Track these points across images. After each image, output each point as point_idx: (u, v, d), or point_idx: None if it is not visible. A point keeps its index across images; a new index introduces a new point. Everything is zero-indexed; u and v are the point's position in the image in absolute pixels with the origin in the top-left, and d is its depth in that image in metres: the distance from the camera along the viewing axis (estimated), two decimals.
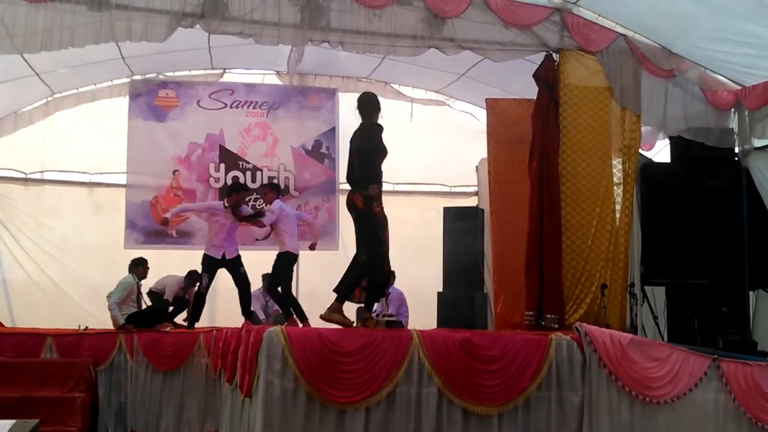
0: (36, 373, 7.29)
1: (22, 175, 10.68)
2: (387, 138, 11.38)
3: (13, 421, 3.90)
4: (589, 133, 7.53)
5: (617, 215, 7.39)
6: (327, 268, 11.13)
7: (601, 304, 6.98)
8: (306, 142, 11.40)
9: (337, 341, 5.17)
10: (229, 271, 8.69)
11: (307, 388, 4.93)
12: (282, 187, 11.07)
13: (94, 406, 7.46)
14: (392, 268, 9.92)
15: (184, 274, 9.49)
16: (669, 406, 5.42)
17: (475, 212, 9.50)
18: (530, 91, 7.94)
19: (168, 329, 8.50)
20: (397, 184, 11.75)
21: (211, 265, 8.57)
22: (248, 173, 11.14)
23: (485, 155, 9.42)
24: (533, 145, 7.69)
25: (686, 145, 7.62)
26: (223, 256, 8.56)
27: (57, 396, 7.06)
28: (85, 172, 10.83)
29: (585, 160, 7.48)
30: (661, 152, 8.73)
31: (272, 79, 11.44)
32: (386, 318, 8.36)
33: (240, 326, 6.57)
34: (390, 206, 11.60)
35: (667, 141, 8.15)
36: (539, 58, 7.79)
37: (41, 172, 10.77)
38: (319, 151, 11.42)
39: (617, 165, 7.54)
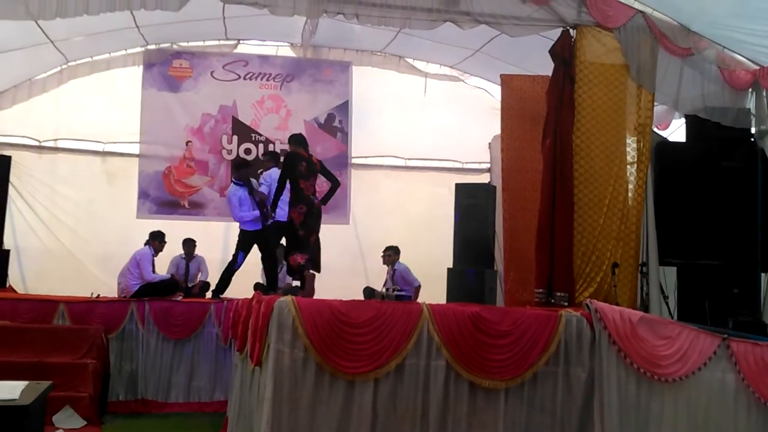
0: (48, 338, 7.36)
1: (36, 143, 10.72)
2: (400, 113, 11.47)
3: (26, 382, 3.98)
4: (604, 110, 7.45)
5: (630, 194, 7.35)
6: (338, 243, 11.22)
7: (612, 283, 6.97)
8: (319, 116, 11.41)
9: (348, 312, 5.19)
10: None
11: (317, 358, 4.96)
12: None
13: (105, 372, 7.54)
14: (398, 244, 10.04)
15: None
16: (677, 384, 5.41)
17: (487, 189, 9.48)
18: (546, 67, 7.86)
19: (179, 298, 8.55)
20: (409, 159, 11.79)
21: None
22: (260, 146, 11.16)
23: (499, 132, 9.38)
24: (547, 122, 7.63)
25: (702, 125, 7.54)
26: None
27: (69, 362, 7.13)
28: (98, 141, 10.86)
29: (599, 138, 7.41)
30: (676, 131, 8.67)
31: (286, 51, 11.43)
32: (396, 292, 8.42)
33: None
34: (401, 181, 11.78)
35: (683, 120, 8.08)
36: (556, 34, 7.71)
37: (55, 140, 10.80)
38: (332, 125, 11.42)
39: (631, 144, 7.47)
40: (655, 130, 7.98)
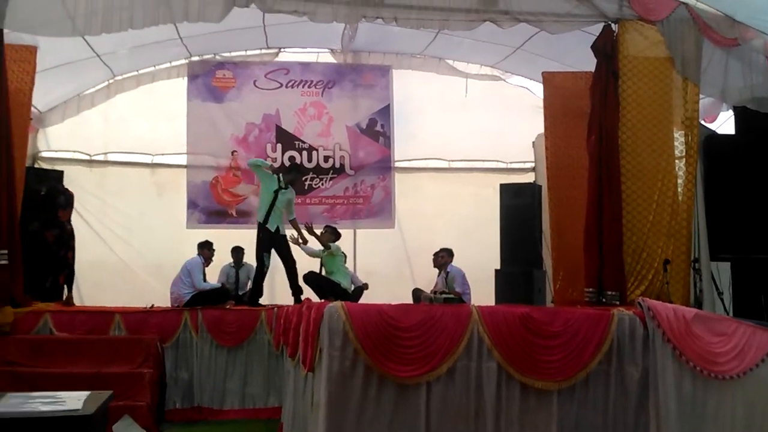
0: (106, 349, 7.45)
1: (87, 157, 10.97)
2: (442, 114, 11.49)
3: (88, 393, 4.07)
4: (650, 105, 7.38)
5: (680, 189, 7.25)
6: (383, 247, 11.29)
7: (664, 280, 6.88)
8: (361, 121, 11.47)
9: (397, 316, 5.19)
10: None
11: (368, 361, 4.97)
12: (338, 166, 11.22)
13: (161, 381, 7.63)
14: (450, 246, 10.02)
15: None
16: (734, 382, 5.30)
17: (532, 188, 9.45)
18: (588, 62, 7.82)
19: (230, 306, 8.66)
20: (453, 161, 11.78)
21: None
22: (304, 153, 11.26)
23: (542, 130, 9.32)
24: (592, 118, 7.59)
25: (751, 116, 7.39)
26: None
27: (126, 372, 7.19)
28: (147, 153, 11.08)
29: (645, 133, 7.34)
30: (725, 124, 8.53)
31: (327, 58, 11.51)
32: (444, 295, 8.42)
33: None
34: (445, 183, 11.80)
35: (731, 112, 7.94)
36: (597, 28, 7.66)
37: (104, 153, 11.04)
38: (374, 129, 11.48)
39: (679, 138, 7.37)
40: (703, 123, 7.86)
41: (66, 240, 8.96)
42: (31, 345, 7.39)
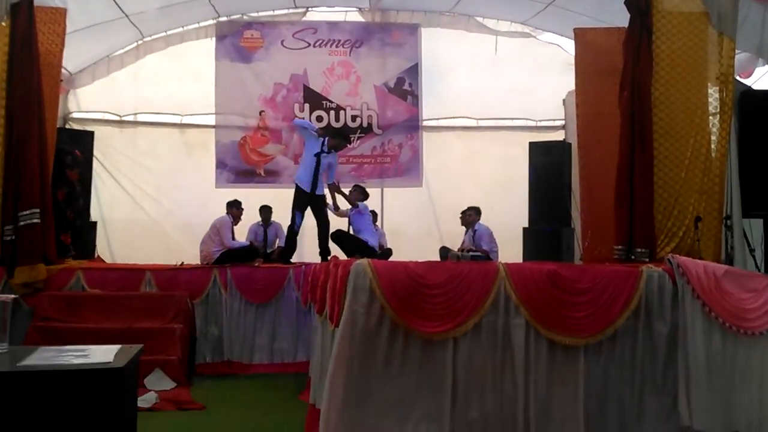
0: (137, 305, 7.60)
1: (117, 118, 11.09)
2: (471, 73, 11.34)
3: (119, 346, 4.13)
4: (684, 60, 7.22)
5: (713, 146, 7.11)
6: (411, 205, 11.30)
7: (695, 238, 6.79)
8: (388, 80, 11.41)
9: (424, 273, 5.19)
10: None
11: (395, 317, 4.98)
12: (365, 125, 11.17)
13: (192, 336, 7.77)
14: (477, 205, 9.97)
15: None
16: (764, 338, 5.24)
17: (561, 146, 9.34)
18: (622, 19, 7.64)
19: (257, 264, 8.74)
20: (481, 119, 11.64)
21: None
22: (332, 113, 11.23)
23: (573, 87, 9.18)
24: (624, 74, 7.43)
25: None
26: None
27: (157, 327, 7.34)
28: (176, 114, 11.14)
29: (679, 89, 7.19)
30: (761, 79, 8.33)
31: (354, 16, 11.44)
32: (471, 253, 8.40)
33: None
34: (474, 142, 11.70)
35: (767, 67, 7.74)
36: None
37: (134, 114, 11.15)
38: (402, 88, 11.41)
39: (713, 94, 7.21)
40: (738, 78, 7.67)
41: (74, 200, 9.01)
42: (65, 301, 7.56)
